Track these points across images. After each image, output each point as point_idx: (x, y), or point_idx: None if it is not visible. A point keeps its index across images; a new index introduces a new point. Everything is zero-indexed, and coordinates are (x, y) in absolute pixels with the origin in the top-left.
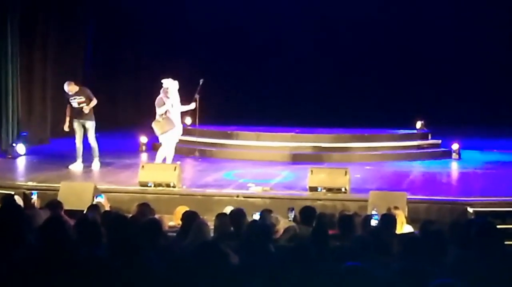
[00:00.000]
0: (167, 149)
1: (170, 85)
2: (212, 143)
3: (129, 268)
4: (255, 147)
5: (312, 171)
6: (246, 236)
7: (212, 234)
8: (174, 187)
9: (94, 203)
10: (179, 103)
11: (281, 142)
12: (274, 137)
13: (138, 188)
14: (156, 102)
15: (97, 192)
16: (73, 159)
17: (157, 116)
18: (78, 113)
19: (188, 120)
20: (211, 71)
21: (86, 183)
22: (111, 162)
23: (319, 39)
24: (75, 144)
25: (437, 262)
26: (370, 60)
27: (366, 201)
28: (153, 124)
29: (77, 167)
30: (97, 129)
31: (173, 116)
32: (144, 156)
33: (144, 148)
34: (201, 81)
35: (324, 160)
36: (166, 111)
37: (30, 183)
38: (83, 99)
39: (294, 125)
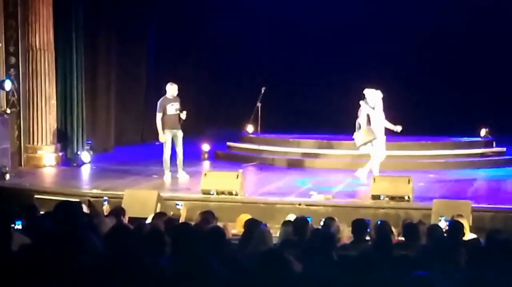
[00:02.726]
0: (372, 161)
1: (371, 95)
2: (273, 151)
3: (192, 277)
4: (316, 154)
5: (374, 179)
6: (309, 244)
7: (274, 242)
8: (236, 194)
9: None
10: (382, 115)
11: (343, 150)
12: (335, 145)
13: (201, 195)
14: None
15: (160, 200)
16: (138, 167)
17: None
18: (173, 122)
19: (250, 128)
20: (272, 78)
21: (150, 191)
22: (173, 170)
23: (380, 46)
24: (162, 154)
25: (505, 272)
26: (433, 67)
27: (430, 209)
28: (354, 135)
29: (167, 178)
30: (157, 137)
31: (375, 126)
32: (206, 164)
33: (206, 155)
34: (263, 89)
35: (387, 168)
36: (369, 122)
37: (95, 191)
38: (179, 106)
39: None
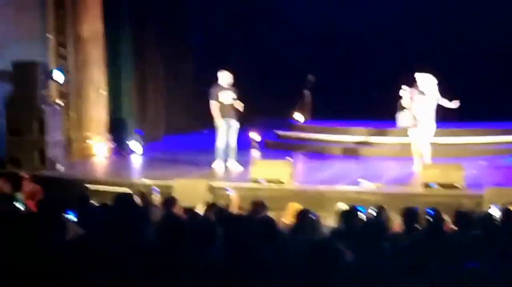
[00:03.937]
0: (416, 147)
1: (422, 80)
2: (322, 139)
3: (243, 267)
4: (366, 142)
5: (425, 167)
6: (359, 234)
7: (325, 231)
8: (286, 183)
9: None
10: (434, 99)
11: (393, 137)
12: (385, 133)
13: (251, 184)
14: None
15: (210, 189)
16: (189, 156)
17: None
18: (227, 110)
19: (299, 116)
20: (317, 68)
21: (200, 180)
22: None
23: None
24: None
25: None
26: (485, 53)
27: (482, 197)
28: (397, 115)
29: (219, 166)
30: (207, 126)
31: (421, 113)
32: (255, 153)
33: (255, 144)
34: (309, 77)
35: (437, 155)
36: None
37: (145, 181)
38: (234, 95)
39: None
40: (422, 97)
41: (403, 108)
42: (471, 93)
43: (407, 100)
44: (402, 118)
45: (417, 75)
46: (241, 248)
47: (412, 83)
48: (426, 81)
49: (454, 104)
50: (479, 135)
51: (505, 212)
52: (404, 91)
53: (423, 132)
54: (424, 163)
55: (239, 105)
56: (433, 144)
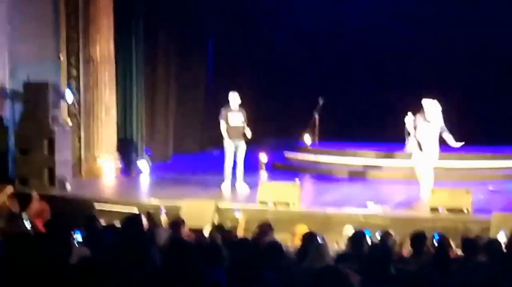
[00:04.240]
0: (420, 171)
1: (429, 106)
2: (331, 162)
3: None
4: (374, 165)
5: (433, 191)
6: (366, 259)
7: (331, 254)
8: (293, 205)
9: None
10: (439, 127)
11: (400, 160)
12: (394, 156)
13: (258, 206)
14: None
15: (218, 210)
16: (197, 177)
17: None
18: (235, 133)
19: (307, 138)
20: (329, 88)
21: (208, 201)
22: (233, 181)
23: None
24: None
25: None
26: (492, 77)
27: (489, 222)
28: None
29: (226, 187)
30: (216, 146)
31: (425, 140)
32: (263, 174)
33: (263, 166)
34: (320, 100)
35: (445, 178)
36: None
37: (153, 200)
38: (243, 118)
39: None
40: (426, 124)
41: (409, 134)
42: (480, 116)
43: (411, 127)
44: (408, 143)
45: (424, 101)
46: (246, 271)
47: (419, 107)
48: (432, 107)
49: (458, 144)
50: (487, 160)
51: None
52: (408, 118)
53: (426, 158)
54: (429, 187)
55: (248, 132)
56: (440, 168)
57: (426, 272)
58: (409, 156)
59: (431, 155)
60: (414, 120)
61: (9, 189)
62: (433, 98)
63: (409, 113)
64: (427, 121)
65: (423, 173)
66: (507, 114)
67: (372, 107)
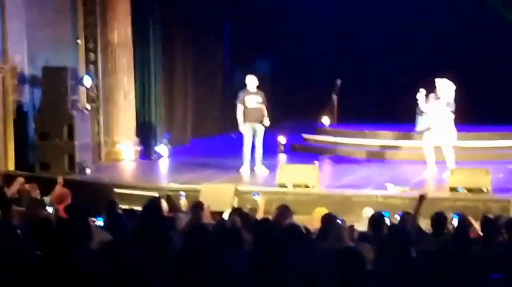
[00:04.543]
0: (428, 151)
1: (442, 85)
2: (350, 143)
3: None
4: (393, 146)
5: (452, 171)
6: (386, 240)
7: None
8: (312, 187)
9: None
10: (448, 108)
11: (418, 141)
12: (412, 137)
13: (277, 188)
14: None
15: (237, 194)
16: (215, 160)
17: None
18: (252, 115)
19: (326, 120)
20: (347, 69)
21: (227, 184)
22: (252, 164)
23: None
24: (242, 146)
25: None
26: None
27: (509, 201)
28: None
29: (245, 170)
30: (235, 129)
31: (440, 118)
32: (282, 156)
33: (282, 148)
34: (338, 81)
35: (464, 159)
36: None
37: (173, 185)
38: (261, 100)
39: None
40: (438, 103)
41: (422, 112)
42: (498, 95)
43: (424, 104)
44: (419, 122)
45: (437, 81)
46: (267, 253)
47: (433, 87)
48: (445, 87)
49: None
50: (507, 139)
51: None
52: (421, 95)
53: (440, 138)
54: (450, 166)
55: (266, 121)
56: (459, 148)
57: (447, 252)
58: (421, 137)
59: (448, 134)
60: (427, 100)
61: (20, 180)
62: (449, 78)
63: (422, 90)
64: (440, 101)
65: (444, 153)
66: None
67: (389, 88)
